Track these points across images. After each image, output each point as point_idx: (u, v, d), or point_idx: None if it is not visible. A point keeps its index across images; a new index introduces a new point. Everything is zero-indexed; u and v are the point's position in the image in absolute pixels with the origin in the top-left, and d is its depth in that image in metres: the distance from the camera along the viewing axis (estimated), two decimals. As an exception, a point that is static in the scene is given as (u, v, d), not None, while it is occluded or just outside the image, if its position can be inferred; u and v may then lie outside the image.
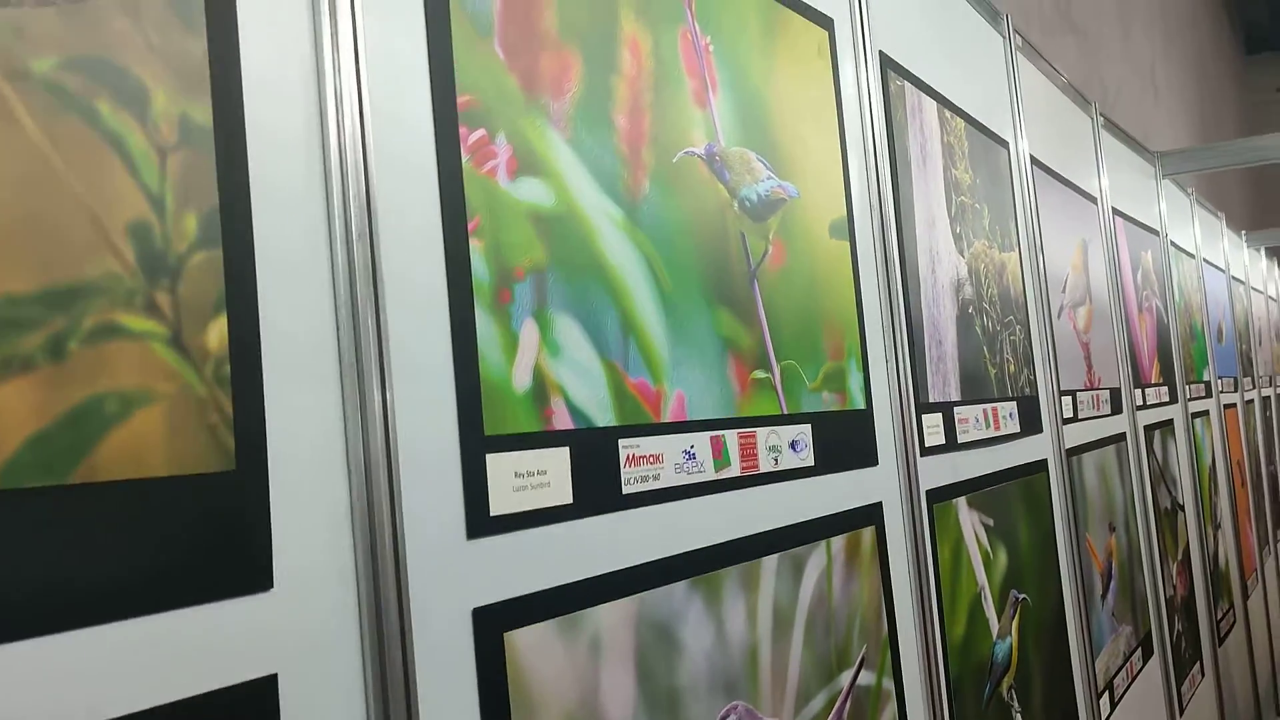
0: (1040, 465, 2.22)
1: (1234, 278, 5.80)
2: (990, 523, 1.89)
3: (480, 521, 0.84)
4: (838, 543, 1.35)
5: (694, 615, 1.06)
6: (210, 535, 0.65)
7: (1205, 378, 4.47)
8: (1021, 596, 1.99)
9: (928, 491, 1.64)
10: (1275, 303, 7.82)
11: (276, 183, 0.72)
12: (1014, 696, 1.89)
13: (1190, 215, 4.73)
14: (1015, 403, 2.09)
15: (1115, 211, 3.28)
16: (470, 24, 0.90)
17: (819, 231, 1.41)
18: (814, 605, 1.27)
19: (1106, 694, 2.44)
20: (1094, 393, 2.71)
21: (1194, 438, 3.99)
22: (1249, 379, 5.77)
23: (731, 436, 1.16)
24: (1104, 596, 2.57)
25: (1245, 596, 4.66)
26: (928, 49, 1.91)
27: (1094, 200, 3.07)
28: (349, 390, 0.74)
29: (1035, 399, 2.23)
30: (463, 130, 0.88)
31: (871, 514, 1.45)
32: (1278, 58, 17.94)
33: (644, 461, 1.02)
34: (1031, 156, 2.44)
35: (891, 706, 1.42)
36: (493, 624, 0.84)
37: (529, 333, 0.91)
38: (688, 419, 1.10)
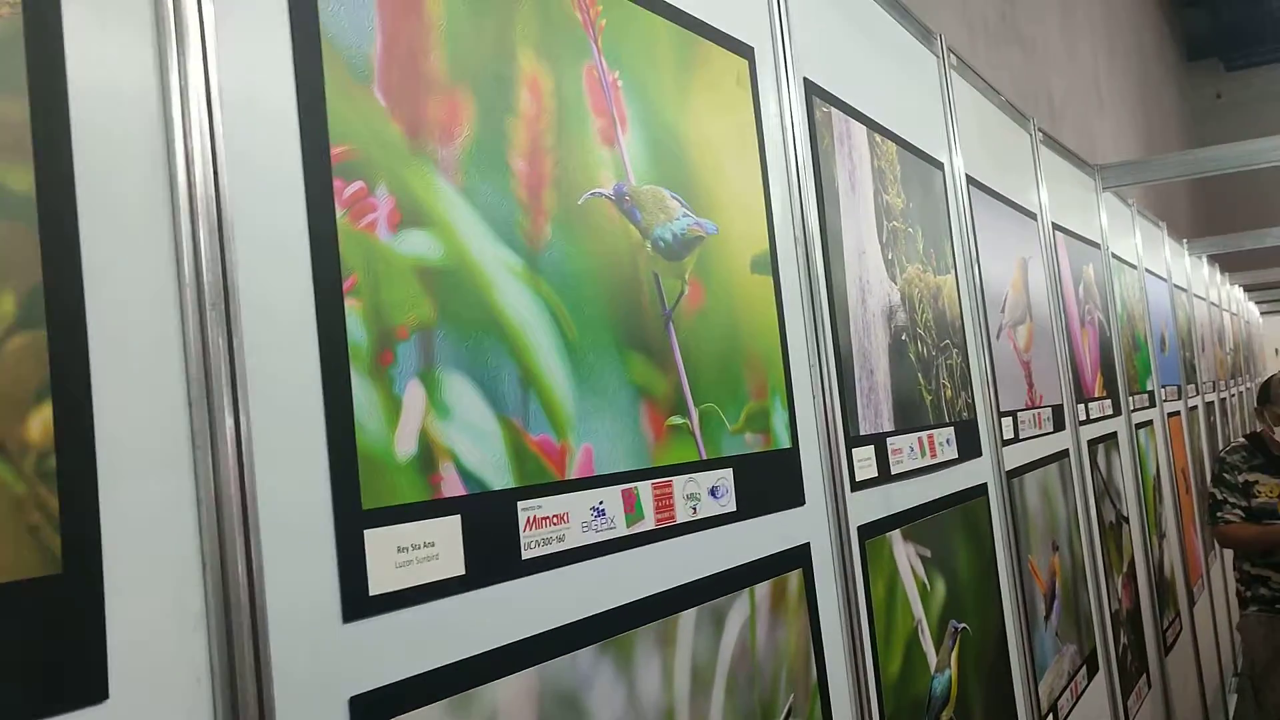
0: (980, 490, 2.20)
1: (1176, 286, 5.87)
2: (927, 553, 1.86)
3: (358, 603, 0.79)
4: (762, 590, 1.31)
5: (603, 681, 1.02)
6: (33, 646, 0.59)
7: (1149, 387, 4.50)
8: (961, 626, 1.96)
9: (859, 527, 1.60)
10: (1217, 308, 7.93)
11: (113, 252, 0.66)
12: (954, 729, 1.86)
13: (1132, 226, 4.77)
14: (952, 428, 2.06)
15: (1056, 226, 3.28)
16: (345, 69, 0.85)
17: (740, 268, 1.37)
18: (736, 658, 1.23)
19: (1050, 716, 2.43)
20: (1035, 411, 2.70)
21: (1138, 449, 4.01)
22: (1192, 385, 5.83)
23: (645, 488, 1.12)
24: (1048, 617, 2.55)
25: (1191, 604, 4.69)
26: (856, 72, 1.88)
27: (1034, 216, 3.07)
28: (203, 475, 0.69)
29: (974, 423, 2.21)
30: (337, 183, 0.82)
31: (798, 556, 1.41)
32: (1218, 64, 18.30)
33: (546, 523, 0.97)
34: (968, 176, 2.43)
35: (822, 755, 1.38)
36: (373, 713, 0.78)
37: (414, 395, 0.86)
38: (596, 474, 1.05)
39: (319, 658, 0.75)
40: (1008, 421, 2.44)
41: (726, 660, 1.21)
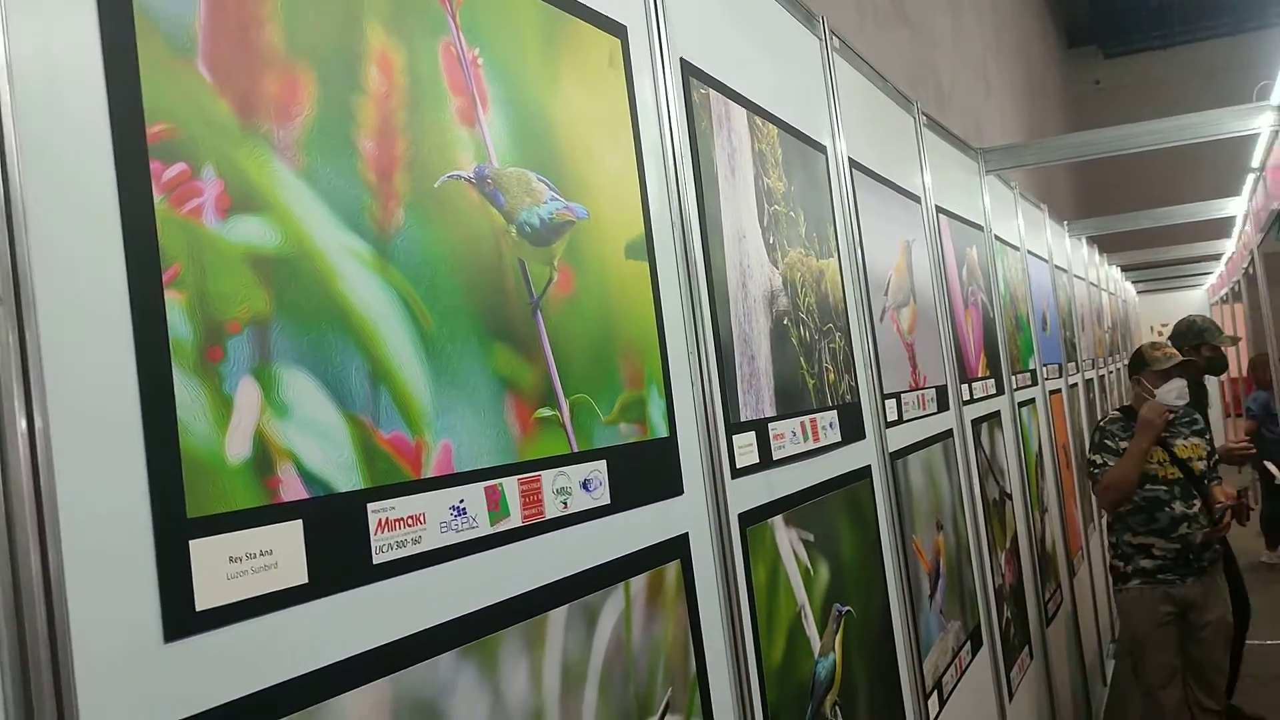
0: (864, 472, 2.21)
1: (1057, 267, 6.04)
2: (810, 538, 1.86)
3: (182, 619, 0.73)
4: (638, 583, 1.28)
5: (465, 686, 0.97)
6: None
7: (1031, 366, 4.62)
8: (845, 609, 1.97)
9: (740, 515, 1.58)
10: (1096, 288, 8.21)
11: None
12: (839, 713, 1.86)
13: (1014, 209, 4.88)
14: (836, 411, 2.07)
15: (939, 209, 3.33)
16: (163, 40, 0.78)
17: (613, 253, 1.33)
18: (610, 655, 1.20)
19: (935, 693, 2.47)
20: (919, 393, 2.74)
21: (1020, 426, 4.11)
22: (1073, 364, 6.02)
23: (510, 484, 1.07)
24: (932, 596, 2.59)
25: (1072, 576, 4.85)
26: (735, 54, 1.86)
27: (917, 199, 3.10)
28: (-10, 487, 0.62)
29: (857, 405, 2.22)
30: (155, 165, 0.76)
31: (676, 547, 1.38)
32: (1097, 52, 18.94)
33: (400, 525, 0.92)
34: (851, 159, 2.43)
35: (701, 748, 1.36)
36: (200, 738, 0.73)
37: (247, 393, 0.80)
38: (456, 471, 1.00)
39: (137, 683, 0.69)
40: (891, 403, 2.46)
41: (600, 657, 1.18)
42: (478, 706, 0.98)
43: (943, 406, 2.98)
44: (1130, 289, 12.88)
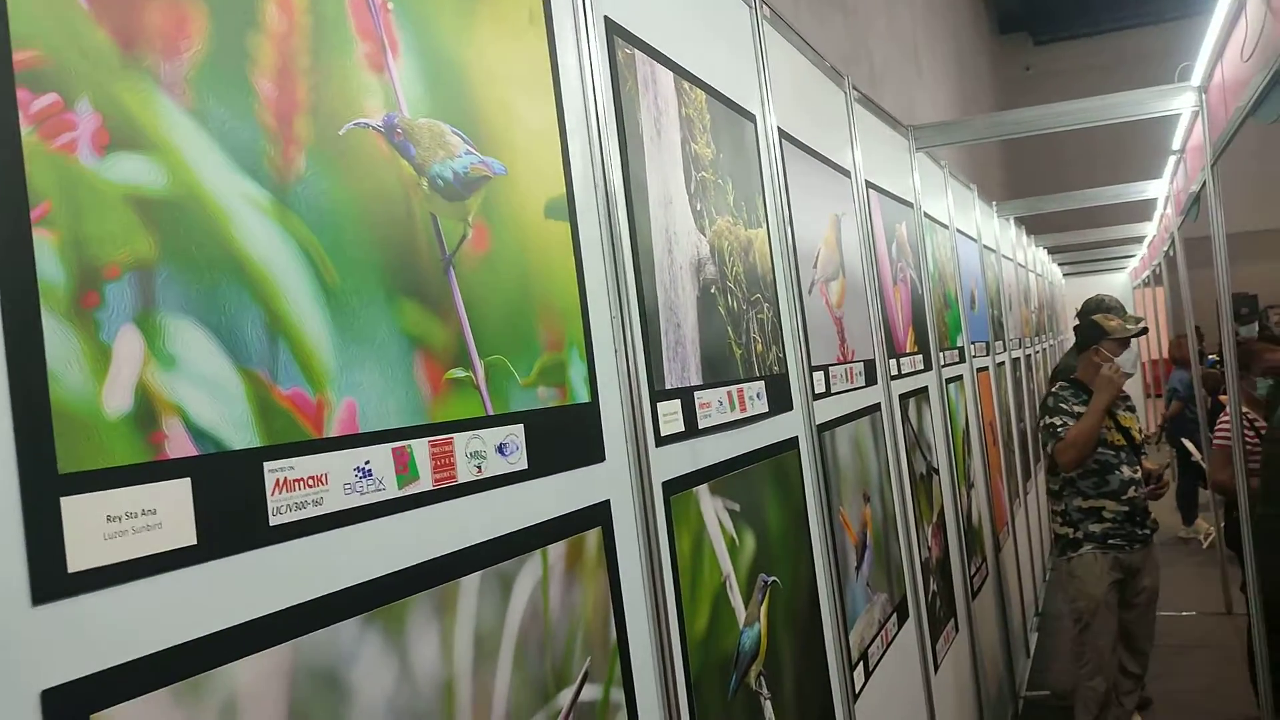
0: (791, 443, 2.20)
1: (986, 246, 6.12)
2: (736, 507, 1.84)
3: (53, 582, 0.68)
4: (556, 550, 1.25)
5: (369, 655, 0.93)
6: None
7: (959, 344, 4.68)
8: (771, 579, 1.96)
9: (664, 483, 1.56)
10: (1024, 269, 8.35)
11: None
12: (763, 683, 1.86)
13: (944, 187, 4.93)
14: (763, 382, 2.05)
15: (869, 185, 3.34)
16: (33, -38, 0.72)
17: (532, 212, 1.30)
18: (526, 623, 1.17)
19: (861, 664, 2.48)
20: (847, 366, 2.74)
21: (948, 402, 4.16)
22: (1000, 342, 6.11)
23: (420, 446, 1.03)
24: (859, 567, 2.60)
25: (998, 550, 4.93)
26: (663, 16, 1.82)
27: (848, 174, 3.10)
28: None
29: (785, 377, 2.21)
30: (22, 94, 0.70)
31: (597, 514, 1.36)
32: (1027, 39, 19.23)
33: (300, 485, 0.88)
34: (781, 130, 2.41)
35: (622, 717, 1.34)
36: (72, 707, 0.68)
37: (128, 343, 0.75)
38: (360, 431, 0.96)
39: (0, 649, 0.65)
40: (819, 376, 2.46)
41: (515, 625, 1.15)
42: (383, 675, 0.95)
43: (871, 381, 2.99)
44: (1057, 271, 13.13)
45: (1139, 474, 3.93)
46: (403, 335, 1.03)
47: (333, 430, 0.93)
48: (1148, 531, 3.94)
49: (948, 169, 5.01)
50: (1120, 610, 3.97)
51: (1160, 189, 6.70)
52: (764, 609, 1.91)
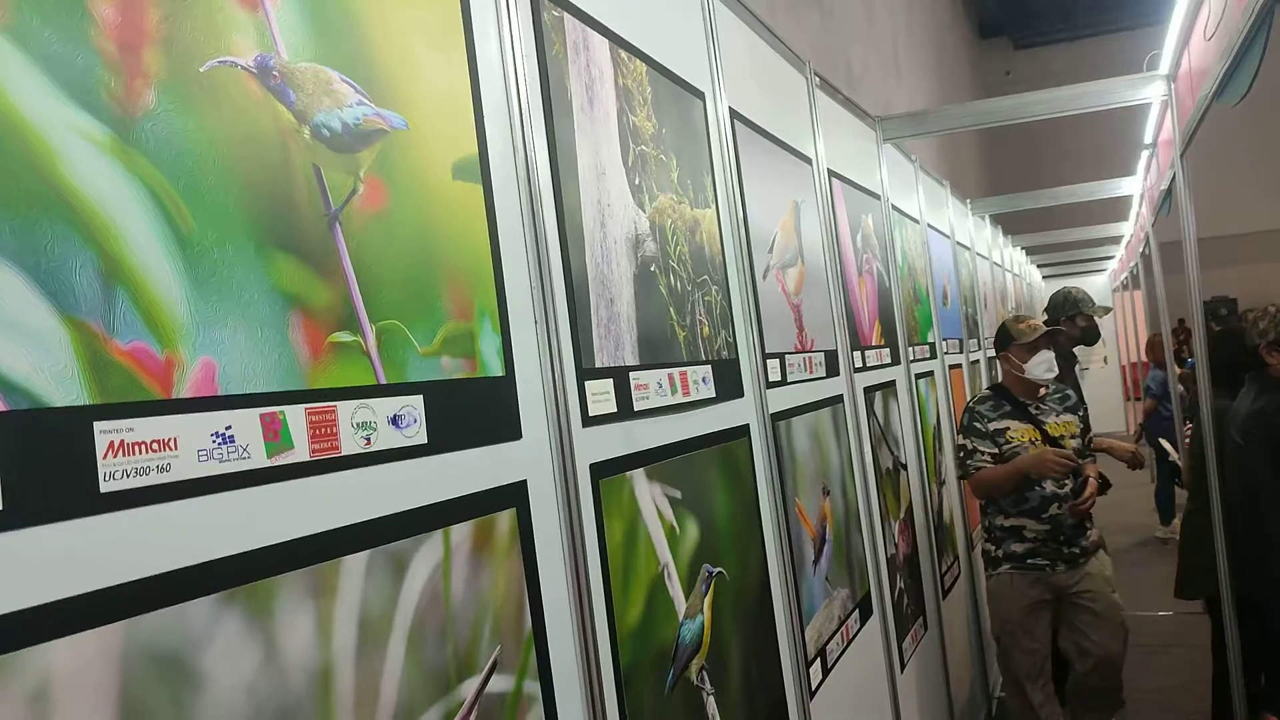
0: (741, 431, 2.13)
1: (959, 244, 6.07)
2: (677, 494, 1.76)
3: None
4: (461, 531, 1.16)
5: (226, 639, 0.85)
6: None
7: (930, 339, 4.61)
8: (716, 571, 1.88)
9: (592, 465, 1.48)
10: (1000, 268, 8.31)
11: None
12: (706, 678, 1.77)
13: (914, 182, 4.87)
14: (710, 367, 1.97)
15: (833, 174, 3.27)
16: None
17: (438, 172, 1.22)
18: (423, 608, 1.08)
19: (818, 661, 2.40)
20: (806, 355, 2.67)
21: (918, 398, 4.09)
22: (974, 340, 6.06)
23: (295, 413, 0.95)
24: (816, 561, 2.53)
25: (970, 549, 4.86)
26: (598, -18, 1.74)
27: (809, 161, 3.03)
28: None
29: (735, 362, 2.13)
30: None
31: (510, 495, 1.27)
32: (1007, 43, 19.27)
33: (141, 450, 0.80)
34: (734, 111, 2.34)
35: (537, 710, 1.26)
36: None
37: (-83, 281, 0.67)
38: (220, 393, 0.88)
39: None
40: (774, 363, 2.39)
41: (409, 610, 1.06)
42: (242, 661, 0.86)
43: (833, 372, 2.92)
44: (1036, 273, 13.12)
45: (1066, 488, 3.53)
46: (275, 292, 0.95)
47: (185, 391, 0.85)
48: (1076, 550, 3.55)
49: (918, 164, 4.95)
50: (1066, 631, 3.62)
51: (1134, 185, 6.66)
52: (708, 601, 1.83)
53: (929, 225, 5.03)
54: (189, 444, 0.84)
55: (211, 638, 0.84)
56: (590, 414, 1.49)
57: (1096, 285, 14.84)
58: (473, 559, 1.18)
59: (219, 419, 0.87)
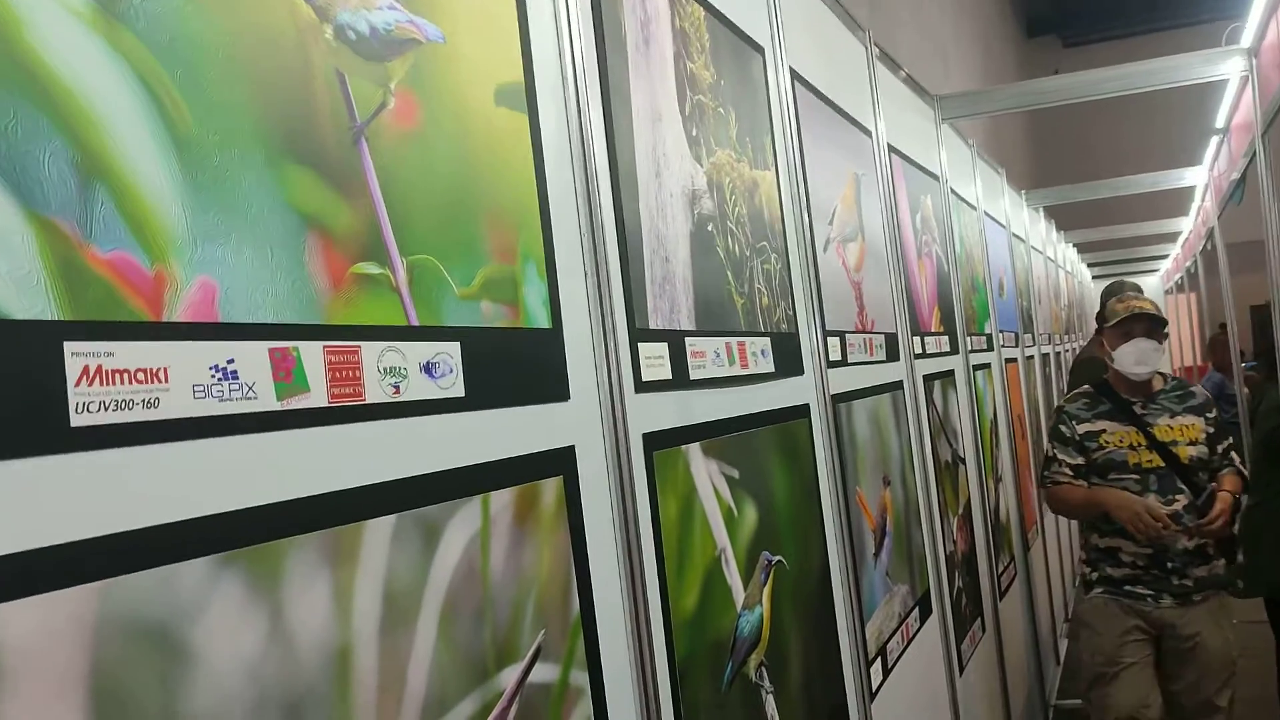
0: (801, 410, 1.97)
1: (1015, 235, 5.86)
2: (734, 474, 1.61)
3: None
4: (501, 498, 1.03)
5: (223, 608, 0.72)
6: None
7: (987, 330, 4.42)
8: (775, 559, 1.73)
9: (646, 435, 1.34)
10: (1053, 264, 8.07)
11: None
12: (765, 674, 1.62)
13: (972, 168, 4.68)
14: (769, 339, 1.83)
15: (892, 149, 3.10)
16: None
17: (479, 95, 1.08)
18: (458, 584, 0.95)
19: (879, 660, 2.24)
20: (866, 336, 2.51)
21: (975, 390, 3.91)
22: (1029, 335, 5.85)
23: (312, 350, 0.82)
24: (877, 555, 2.37)
25: (1026, 549, 4.66)
26: (654, -86, 1.60)
27: (868, 133, 2.87)
28: None
29: (794, 337, 1.98)
30: None
31: (558, 461, 1.13)
32: (1056, 41, 18.88)
33: (124, 379, 0.67)
34: (794, 71, 2.19)
35: (585, 705, 1.12)
36: None
37: None
38: (222, 321, 0.74)
39: None
40: (835, 342, 2.23)
41: (441, 584, 0.93)
42: (243, 637, 0.73)
43: (893, 356, 2.75)
44: (1086, 272, 12.81)
45: (1179, 503, 2.85)
46: (290, 210, 0.82)
47: (179, 314, 0.71)
48: (1189, 583, 2.89)
49: (976, 149, 4.76)
50: (1166, 680, 2.97)
51: (1199, 176, 6.41)
52: (767, 591, 1.68)
53: (985, 213, 4.84)
54: (182, 377, 0.71)
55: (205, 607, 0.70)
56: (643, 379, 1.35)
57: (1149, 286, 14.45)
58: (514, 531, 1.04)
59: (219, 350, 0.74)
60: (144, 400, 0.68)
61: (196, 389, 0.72)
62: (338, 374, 0.84)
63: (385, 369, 0.89)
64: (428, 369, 0.94)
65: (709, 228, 1.64)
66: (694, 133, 1.63)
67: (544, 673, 1.05)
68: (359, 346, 0.87)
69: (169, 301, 0.71)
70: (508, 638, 1.00)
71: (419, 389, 0.93)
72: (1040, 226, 7.34)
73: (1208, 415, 3.03)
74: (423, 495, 0.92)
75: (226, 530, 0.73)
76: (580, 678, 1.11)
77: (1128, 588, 2.96)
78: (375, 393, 0.88)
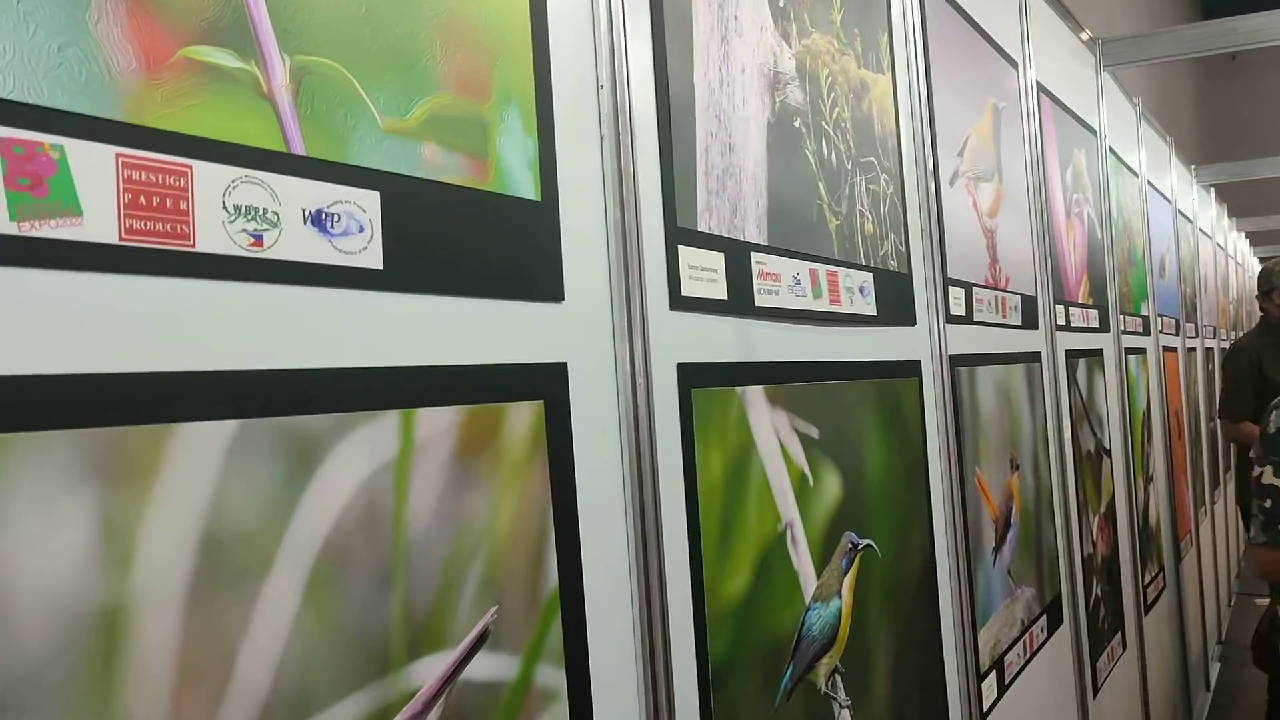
0: (911, 368, 1.62)
1: (1181, 213, 5.26)
2: (813, 433, 1.28)
3: None
4: (436, 420, 0.73)
5: None
6: None
7: (1144, 312, 3.92)
8: (864, 543, 1.39)
9: (681, 365, 1.02)
10: (1222, 251, 7.33)
11: None
12: (839, 684, 1.29)
13: (1135, 130, 4.16)
14: (871, 275, 1.48)
15: (1041, 88, 2.68)
16: None
17: None
18: (347, 530, 0.66)
19: (994, 674, 1.87)
20: (999, 294, 2.12)
21: (1127, 376, 3.44)
22: (1192, 325, 5.25)
23: (92, 155, 0.54)
24: (998, 550, 1.99)
25: (1178, 559, 4.13)
26: None
27: (1013, 64, 2.46)
28: None
29: (906, 278, 1.63)
30: None
31: (538, 380, 0.83)
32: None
33: None
34: (922, -33, 1.82)
35: (557, 711, 0.81)
36: None
37: None
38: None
39: None
40: (958, 293, 1.86)
41: (317, 530, 0.64)
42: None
43: (1030, 322, 2.35)
44: (1257, 266, 11.78)
45: None
46: (66, -60, 0.53)
47: None
48: None
49: (1141, 109, 4.23)
50: None
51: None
52: (849, 581, 1.34)
53: (1149, 183, 4.31)
54: None
55: None
56: (683, 292, 1.03)
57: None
58: (455, 466, 0.74)
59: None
60: None
61: None
62: (140, 199, 0.55)
63: (236, 207, 0.60)
64: (318, 220, 0.65)
65: (795, 122, 1.31)
66: (781, 4, 1.30)
67: (491, 666, 0.75)
68: (189, 166, 0.58)
69: None
70: (431, 614, 0.71)
71: (299, 245, 0.64)
72: (1211, 210, 6.65)
73: None
74: (291, 399, 0.63)
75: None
76: (552, 676, 0.81)
77: None
78: (214, 238, 0.59)
